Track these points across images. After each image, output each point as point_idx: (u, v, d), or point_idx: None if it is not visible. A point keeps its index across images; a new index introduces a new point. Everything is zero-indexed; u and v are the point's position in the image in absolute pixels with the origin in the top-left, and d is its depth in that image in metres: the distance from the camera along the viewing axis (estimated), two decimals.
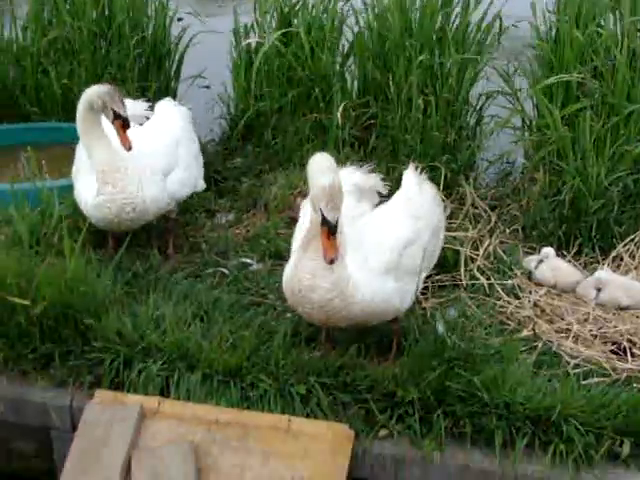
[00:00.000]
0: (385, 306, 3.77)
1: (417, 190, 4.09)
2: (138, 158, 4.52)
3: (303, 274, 3.59)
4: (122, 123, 4.42)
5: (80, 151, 4.76)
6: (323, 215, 3.40)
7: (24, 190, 4.91)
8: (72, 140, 6.16)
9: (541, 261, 4.84)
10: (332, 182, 3.41)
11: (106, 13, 6.74)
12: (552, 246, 4.93)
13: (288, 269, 3.77)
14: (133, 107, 4.98)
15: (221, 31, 6.84)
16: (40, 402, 3.92)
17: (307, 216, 3.94)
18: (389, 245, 3.79)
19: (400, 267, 3.79)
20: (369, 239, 3.76)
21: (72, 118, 6.39)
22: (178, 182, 4.73)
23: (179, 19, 7.24)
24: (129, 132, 4.50)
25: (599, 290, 4.62)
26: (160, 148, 4.72)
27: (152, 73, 6.81)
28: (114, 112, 4.39)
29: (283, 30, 6.22)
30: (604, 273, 4.67)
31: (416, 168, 4.28)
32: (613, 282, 4.62)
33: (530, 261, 4.89)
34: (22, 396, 3.95)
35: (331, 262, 3.43)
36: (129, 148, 4.42)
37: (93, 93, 4.42)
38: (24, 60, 6.55)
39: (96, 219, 4.54)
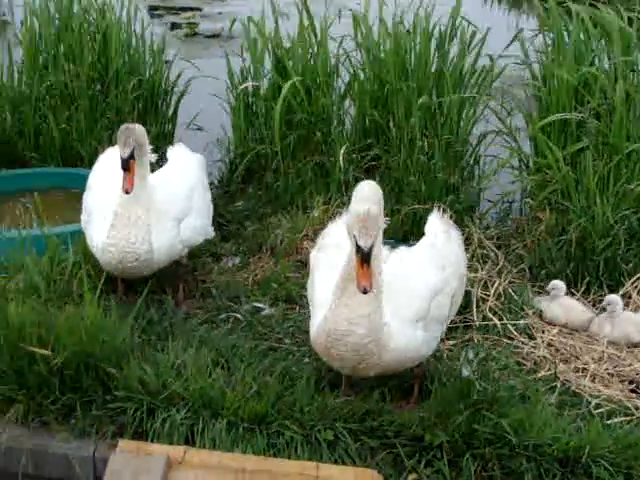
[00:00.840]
0: (414, 355, 3.80)
1: (444, 238, 4.11)
2: (153, 202, 4.52)
3: (340, 320, 3.59)
4: (121, 164, 4.34)
5: (94, 195, 4.75)
6: (357, 242, 3.43)
7: (33, 237, 4.89)
8: (71, 185, 6.22)
9: (549, 294, 4.88)
10: (367, 210, 3.44)
11: (103, 58, 6.76)
12: None
13: (318, 318, 3.76)
14: None
15: (208, 74, 6.90)
16: (62, 453, 3.86)
17: (322, 266, 3.98)
18: (419, 294, 3.81)
19: (429, 316, 3.81)
20: (399, 287, 3.77)
21: (71, 163, 6.51)
22: (191, 229, 4.73)
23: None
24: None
25: (605, 310, 4.72)
26: (175, 195, 4.72)
27: (150, 117, 6.84)
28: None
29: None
30: (614, 296, 4.75)
31: (441, 212, 4.31)
32: (626, 318, 4.68)
33: (540, 300, 4.93)
34: (43, 448, 3.89)
35: (364, 291, 3.43)
36: (125, 191, 4.33)
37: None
38: (22, 105, 6.54)
39: (103, 262, 4.53)
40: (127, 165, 4.33)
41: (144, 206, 4.46)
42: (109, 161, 4.89)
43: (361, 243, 3.42)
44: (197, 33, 11.68)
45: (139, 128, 4.49)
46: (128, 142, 4.33)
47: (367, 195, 3.59)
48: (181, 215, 4.68)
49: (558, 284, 4.91)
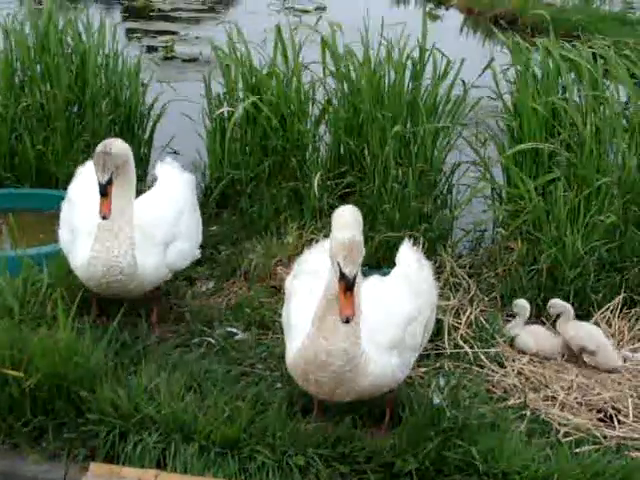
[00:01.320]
0: (390, 380, 3.83)
1: (417, 267, 4.17)
2: (140, 225, 4.48)
3: (319, 351, 3.61)
4: (99, 188, 4.27)
5: (78, 213, 4.67)
6: (341, 270, 3.43)
7: (7, 258, 4.89)
8: (45, 207, 6.22)
9: (514, 317, 5.01)
10: (352, 237, 3.45)
11: (80, 80, 6.78)
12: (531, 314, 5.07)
13: (296, 343, 3.77)
14: None
15: (185, 97, 6.94)
16: (32, 476, 3.84)
17: (299, 292, 4.01)
18: (394, 322, 3.86)
19: (403, 343, 3.85)
20: (373, 314, 3.79)
21: (45, 185, 6.50)
22: (177, 253, 4.70)
23: None
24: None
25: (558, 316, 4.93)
26: (162, 219, 4.69)
27: (126, 140, 6.78)
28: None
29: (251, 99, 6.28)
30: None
31: (412, 243, 4.38)
32: (578, 327, 4.86)
33: (511, 327, 4.99)
34: (13, 470, 3.86)
35: (347, 321, 3.44)
36: (103, 217, 4.26)
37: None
38: None
39: (88, 278, 4.46)
40: (105, 190, 4.26)
41: (128, 221, 4.41)
42: (89, 175, 4.75)
43: (346, 271, 3.43)
44: (174, 57, 11.75)
45: (120, 145, 4.38)
46: (107, 166, 4.25)
47: (349, 222, 3.60)
48: (168, 239, 4.66)
49: (521, 303, 5.00)
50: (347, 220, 3.63)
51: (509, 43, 6.48)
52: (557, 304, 5.00)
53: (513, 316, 5.11)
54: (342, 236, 3.49)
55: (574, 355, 4.87)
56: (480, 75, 6.51)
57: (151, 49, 12.25)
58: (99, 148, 4.33)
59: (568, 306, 4.97)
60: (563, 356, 4.91)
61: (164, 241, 4.64)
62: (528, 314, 5.03)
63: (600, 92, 5.96)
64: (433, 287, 4.28)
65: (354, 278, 3.45)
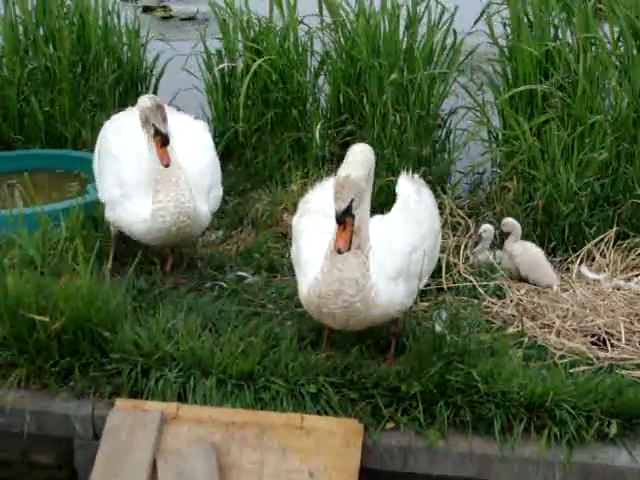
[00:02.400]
0: (399, 308, 4.08)
1: (417, 198, 4.36)
2: (190, 175, 4.68)
3: (332, 281, 3.83)
4: (161, 139, 4.50)
5: (127, 168, 4.78)
6: None
7: (24, 215, 5.10)
8: (55, 166, 6.43)
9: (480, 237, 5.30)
10: (346, 175, 3.65)
11: (82, 41, 6.95)
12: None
13: (309, 278, 3.97)
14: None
15: (184, 53, 7.08)
16: (62, 413, 4.11)
17: (308, 229, 4.23)
18: (400, 251, 4.08)
19: (408, 271, 4.07)
20: (380, 246, 4.02)
21: (55, 145, 6.70)
22: (215, 200, 4.97)
23: None
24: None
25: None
26: (206, 167, 4.94)
27: (131, 98, 7.01)
28: (155, 128, 4.50)
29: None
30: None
31: (410, 174, 4.56)
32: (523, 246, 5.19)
33: (478, 251, 5.30)
34: (45, 408, 4.13)
35: (339, 252, 3.67)
36: (167, 165, 4.50)
37: (139, 107, 4.56)
38: (6, 90, 6.70)
39: (154, 231, 4.61)
40: (168, 140, 4.50)
41: (180, 167, 4.61)
42: (124, 128, 4.97)
43: (335, 207, 3.67)
44: (172, 16, 11.84)
45: (151, 100, 4.55)
46: (166, 117, 4.50)
47: (353, 160, 3.79)
48: (210, 187, 4.91)
49: (487, 227, 5.29)
50: (353, 159, 3.82)
51: None
52: (509, 223, 5.27)
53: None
54: (339, 174, 3.71)
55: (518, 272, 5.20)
56: (474, 25, 6.65)
57: (147, 9, 12.30)
58: (147, 101, 4.52)
59: (517, 226, 5.25)
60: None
61: (209, 189, 4.89)
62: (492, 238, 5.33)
63: (592, 33, 6.10)
64: (435, 214, 4.47)
65: (343, 213, 3.65)
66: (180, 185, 4.57)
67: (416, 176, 4.59)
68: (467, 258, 5.29)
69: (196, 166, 4.84)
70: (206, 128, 5.39)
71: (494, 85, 6.41)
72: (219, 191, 5.09)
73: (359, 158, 3.83)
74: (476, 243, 5.36)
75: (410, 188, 4.44)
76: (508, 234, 5.29)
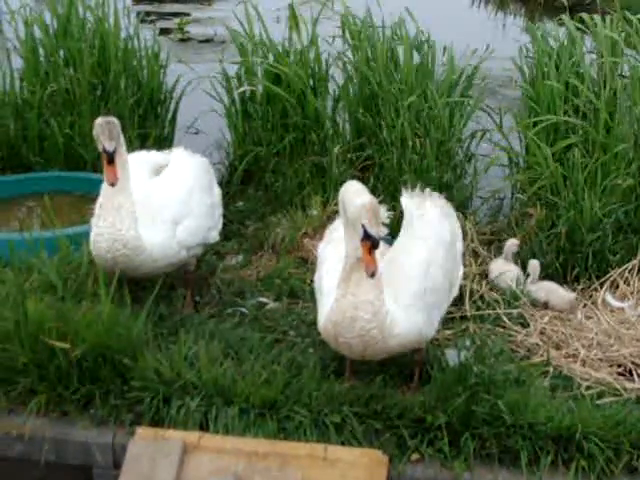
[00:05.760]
0: (418, 338, 4.01)
1: (417, 213, 4.32)
2: (147, 204, 4.61)
3: (346, 307, 3.80)
4: (107, 157, 4.39)
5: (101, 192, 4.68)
6: (366, 231, 3.62)
7: (44, 239, 5.09)
8: (75, 189, 6.42)
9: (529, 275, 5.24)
10: (370, 199, 3.67)
11: (102, 63, 6.95)
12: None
13: (326, 307, 3.96)
14: (153, 157, 5.16)
15: (203, 76, 7.07)
16: (82, 441, 4.07)
17: (330, 258, 4.19)
18: (410, 275, 4.04)
19: (425, 295, 4.03)
20: (395, 273, 4.00)
21: (75, 167, 6.70)
22: (186, 230, 4.76)
23: None
24: (138, 178, 4.62)
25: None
26: (172, 197, 4.80)
27: (150, 121, 7.04)
28: (102, 145, 4.41)
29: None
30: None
31: (409, 189, 4.55)
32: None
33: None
34: (64, 436, 4.09)
35: (372, 275, 3.65)
36: (111, 183, 4.38)
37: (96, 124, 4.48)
38: (26, 112, 6.71)
39: (96, 257, 4.55)
40: (112, 158, 4.39)
41: (127, 195, 4.50)
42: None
43: (372, 232, 3.62)
44: (190, 38, 11.88)
45: (117, 121, 4.51)
46: (113, 135, 4.39)
47: (359, 188, 3.83)
48: (177, 218, 4.74)
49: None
50: (357, 187, 3.85)
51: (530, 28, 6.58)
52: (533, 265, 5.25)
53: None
54: (362, 200, 3.69)
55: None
56: (486, 56, 6.64)
57: (165, 31, 12.36)
58: (99, 120, 4.46)
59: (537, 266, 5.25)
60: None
61: (173, 219, 4.71)
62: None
63: (619, 59, 6.06)
64: (444, 225, 4.39)
65: (379, 238, 3.65)
66: (121, 212, 4.45)
67: (417, 189, 4.56)
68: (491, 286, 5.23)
69: (159, 195, 4.76)
70: (200, 162, 5.27)
71: (517, 112, 6.38)
72: (197, 222, 4.85)
73: (360, 187, 3.87)
74: (527, 275, 5.31)
75: (410, 205, 4.40)
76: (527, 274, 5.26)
